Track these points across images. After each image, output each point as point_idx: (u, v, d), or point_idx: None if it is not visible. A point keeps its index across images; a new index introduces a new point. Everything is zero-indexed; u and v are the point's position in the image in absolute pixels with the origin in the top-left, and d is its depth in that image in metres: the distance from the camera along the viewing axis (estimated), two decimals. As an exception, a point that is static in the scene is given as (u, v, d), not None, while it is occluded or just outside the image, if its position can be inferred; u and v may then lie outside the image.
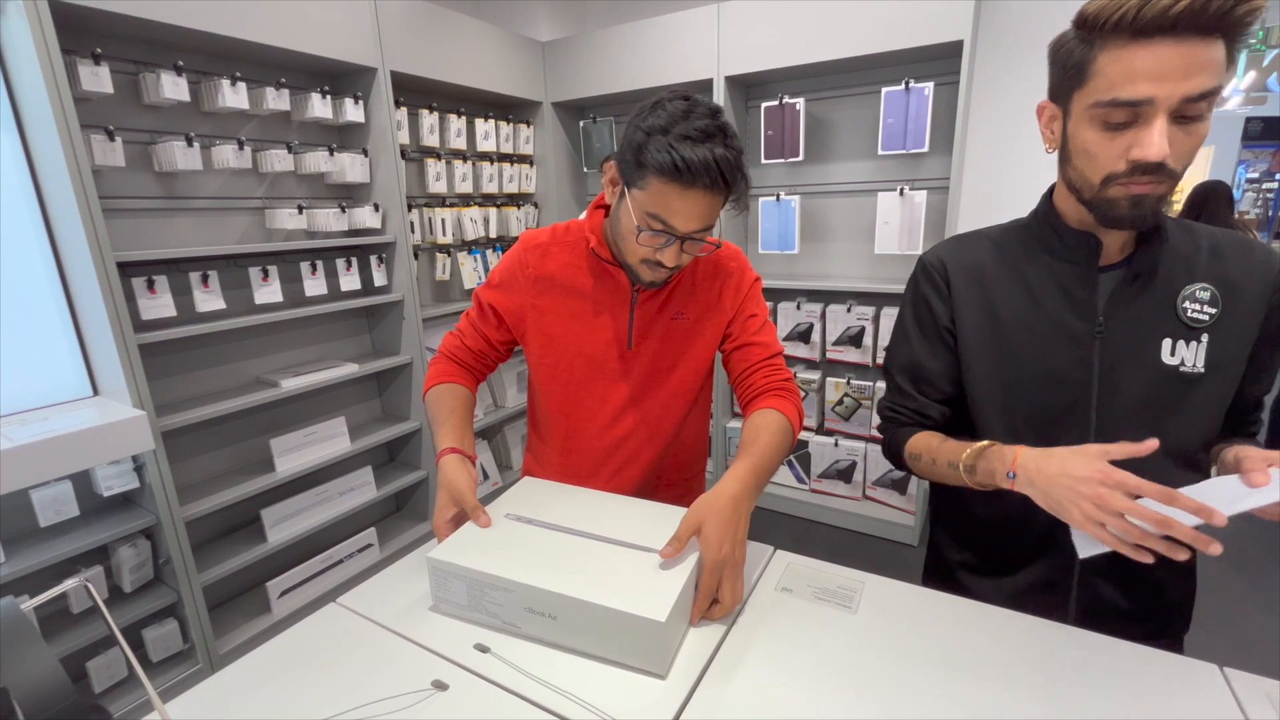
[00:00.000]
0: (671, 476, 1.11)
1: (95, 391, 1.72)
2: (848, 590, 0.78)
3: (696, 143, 0.77)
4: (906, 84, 2.22)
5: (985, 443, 0.76)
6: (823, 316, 2.66)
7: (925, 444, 0.86)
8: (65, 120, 1.44)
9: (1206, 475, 0.79)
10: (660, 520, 0.80)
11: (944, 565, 0.94)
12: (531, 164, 3.04)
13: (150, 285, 1.72)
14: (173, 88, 1.72)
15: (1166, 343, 0.75)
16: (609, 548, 0.75)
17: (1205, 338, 0.74)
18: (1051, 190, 0.82)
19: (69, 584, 0.44)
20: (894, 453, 0.93)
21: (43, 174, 1.55)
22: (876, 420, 2.60)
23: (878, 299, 2.56)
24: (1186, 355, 0.74)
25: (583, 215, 1.05)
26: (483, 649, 0.69)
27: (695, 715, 0.61)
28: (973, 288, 0.84)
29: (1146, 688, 0.62)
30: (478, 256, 2.82)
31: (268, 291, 2.01)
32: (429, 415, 1.01)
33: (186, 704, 0.64)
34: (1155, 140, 0.62)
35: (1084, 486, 0.63)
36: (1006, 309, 0.82)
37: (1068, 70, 0.69)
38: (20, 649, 0.39)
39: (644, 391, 1.02)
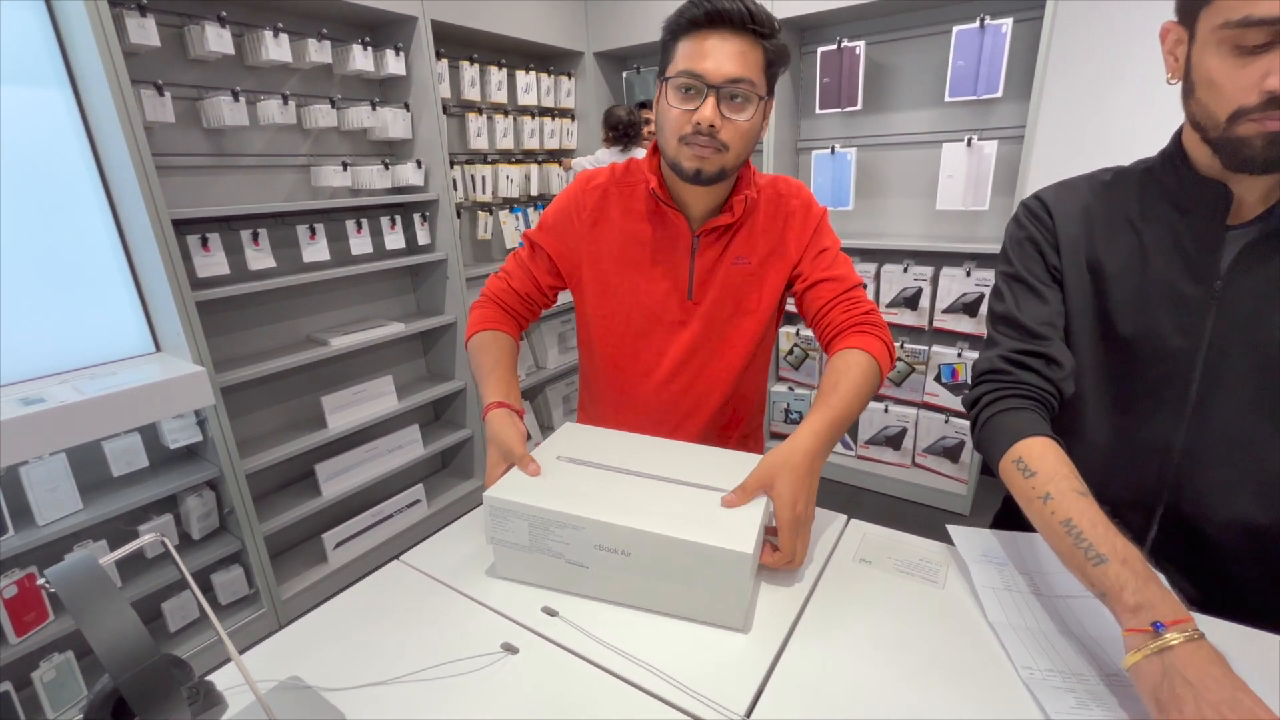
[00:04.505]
0: (730, 433, 1.07)
1: (157, 347, 1.76)
2: (931, 564, 0.74)
3: None
4: (982, 21, 2.04)
5: (1154, 574, 0.55)
6: (877, 277, 2.53)
7: (1050, 469, 0.65)
8: (116, 75, 1.43)
9: None
10: (718, 463, 0.77)
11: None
12: (573, 118, 2.95)
13: (204, 243, 1.74)
14: (217, 40, 1.69)
15: None
16: (673, 487, 0.72)
17: None
18: (1181, 129, 0.71)
19: (147, 539, 0.43)
20: (991, 437, 0.73)
21: (97, 131, 1.56)
22: (934, 395, 2.49)
23: (937, 258, 2.42)
24: None
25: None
26: (551, 612, 0.67)
27: (779, 690, 0.58)
28: (1078, 234, 0.75)
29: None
30: (519, 215, 2.77)
31: (315, 250, 2.01)
32: (473, 365, 0.97)
33: (260, 656, 0.65)
34: None
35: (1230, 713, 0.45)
36: (1112, 262, 0.72)
37: None
38: (101, 606, 0.38)
39: (703, 343, 0.97)
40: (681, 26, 0.80)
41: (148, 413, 1.53)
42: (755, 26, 0.77)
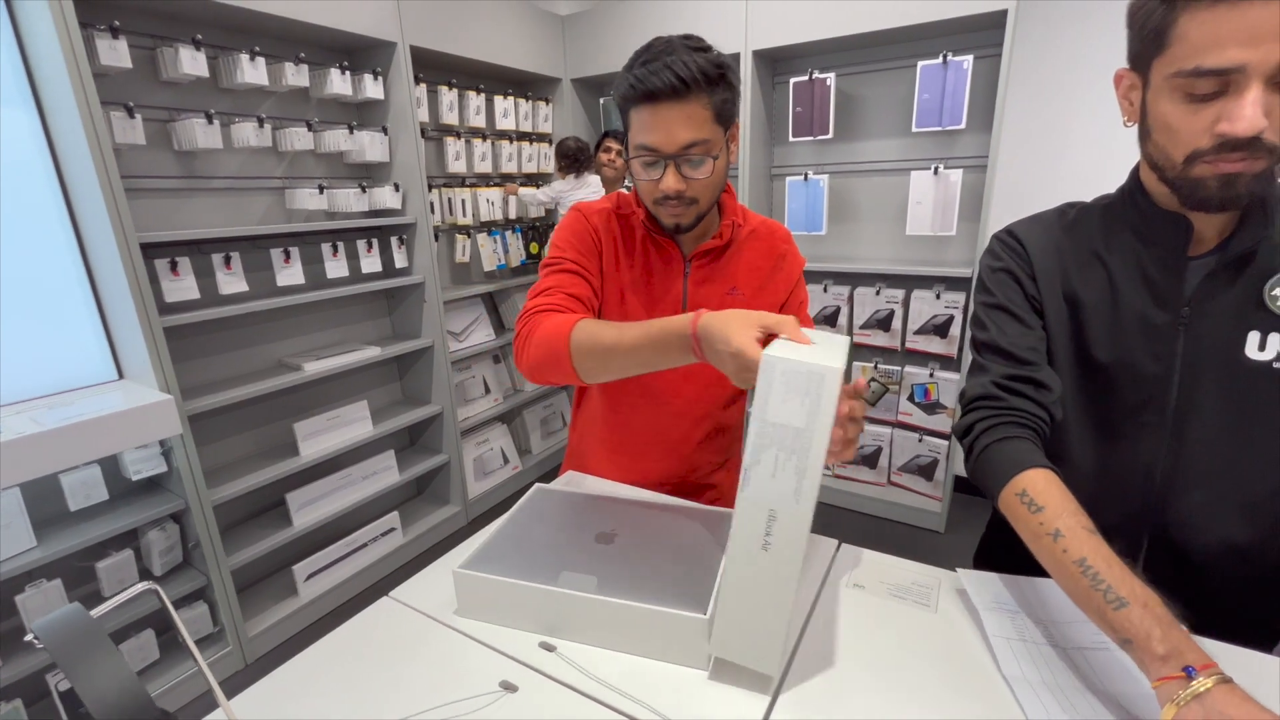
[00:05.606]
0: (721, 458, 1.08)
1: (120, 375, 1.70)
2: (924, 587, 0.75)
3: (650, 62, 0.78)
4: (944, 57, 2.14)
5: (1174, 618, 0.54)
6: (850, 300, 2.60)
7: (1057, 504, 0.63)
8: (85, 97, 1.40)
9: None
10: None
11: (1003, 555, 0.88)
12: (550, 143, 2.98)
13: (173, 267, 1.69)
14: (191, 63, 1.67)
15: (1253, 335, 0.67)
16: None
17: None
18: (1138, 166, 0.75)
19: (138, 588, 0.41)
20: (988, 467, 0.72)
21: (63, 153, 1.52)
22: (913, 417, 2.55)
23: (908, 281, 2.50)
24: None
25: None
26: (548, 648, 0.66)
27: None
28: (1053, 267, 0.77)
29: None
30: (497, 238, 2.77)
31: (289, 273, 1.98)
32: (607, 339, 0.76)
33: (246, 702, 0.62)
34: (1246, 113, 0.54)
35: None
36: (1086, 294, 0.75)
37: (1145, 35, 0.61)
38: (94, 660, 0.36)
39: (697, 368, 0.98)
40: (627, 101, 0.82)
41: (110, 444, 1.47)
42: (692, 92, 0.77)
